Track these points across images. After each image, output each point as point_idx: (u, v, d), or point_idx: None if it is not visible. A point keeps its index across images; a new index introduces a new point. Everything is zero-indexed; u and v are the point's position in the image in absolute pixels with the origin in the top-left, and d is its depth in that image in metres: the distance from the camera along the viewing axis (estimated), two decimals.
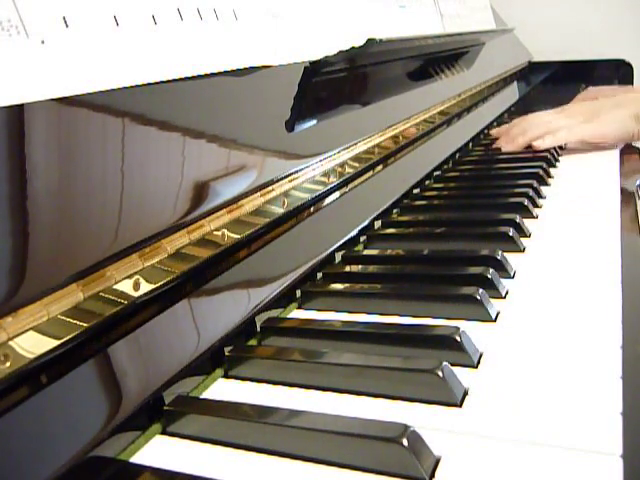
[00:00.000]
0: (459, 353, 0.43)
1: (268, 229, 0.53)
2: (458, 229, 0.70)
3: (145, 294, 0.40)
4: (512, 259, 0.59)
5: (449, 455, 0.34)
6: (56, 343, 0.34)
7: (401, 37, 0.83)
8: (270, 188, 0.53)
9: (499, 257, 0.57)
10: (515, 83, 1.74)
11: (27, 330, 0.32)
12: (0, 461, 0.30)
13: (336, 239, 0.63)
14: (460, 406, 0.38)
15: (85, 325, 0.35)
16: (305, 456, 0.35)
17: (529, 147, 1.06)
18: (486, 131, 1.30)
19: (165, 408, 0.39)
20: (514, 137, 1.09)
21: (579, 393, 0.38)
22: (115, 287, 0.37)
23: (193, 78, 0.50)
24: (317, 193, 0.61)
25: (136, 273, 0.39)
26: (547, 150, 1.03)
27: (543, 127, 1.08)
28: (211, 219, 0.46)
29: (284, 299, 0.54)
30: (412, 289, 0.54)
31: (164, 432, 0.39)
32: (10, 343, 0.31)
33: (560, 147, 1.10)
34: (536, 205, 0.78)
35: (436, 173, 0.97)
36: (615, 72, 1.96)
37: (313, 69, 0.65)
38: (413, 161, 0.89)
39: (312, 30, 0.70)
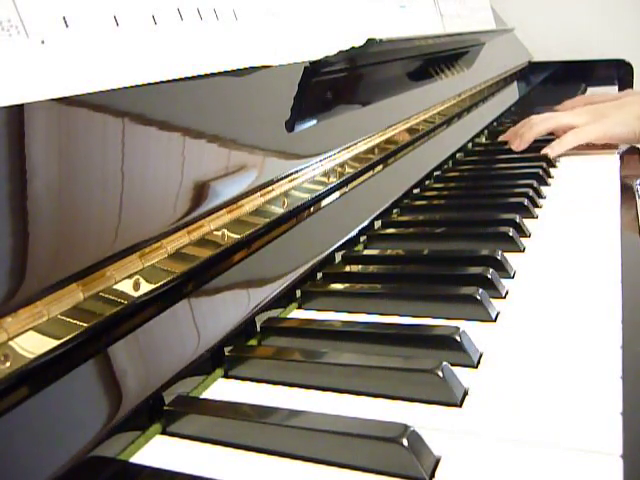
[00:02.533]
0: (459, 353, 0.43)
1: (268, 229, 0.53)
2: (458, 229, 0.70)
3: (145, 294, 0.40)
4: (512, 259, 0.59)
5: (449, 455, 0.34)
6: (56, 343, 0.34)
7: (401, 37, 0.83)
8: (270, 188, 0.53)
9: (499, 257, 0.57)
10: (515, 83, 1.74)
11: (27, 330, 0.32)
12: (0, 461, 0.30)
13: (336, 239, 0.63)
14: (460, 406, 0.38)
15: (85, 325, 0.35)
16: (305, 456, 0.35)
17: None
18: (486, 131, 1.30)
19: (165, 408, 0.39)
20: (522, 135, 1.09)
21: (579, 393, 0.38)
22: (115, 287, 0.37)
23: (193, 78, 0.50)
24: (317, 193, 0.61)
25: (136, 273, 0.39)
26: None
27: (550, 122, 1.08)
28: (211, 219, 0.46)
29: (284, 299, 0.54)
30: (412, 289, 0.54)
31: (164, 432, 0.39)
32: (10, 343, 0.31)
33: None
34: (536, 205, 0.78)
35: (436, 173, 0.97)
36: (615, 72, 1.96)
37: (313, 69, 0.65)
38: (413, 161, 0.89)
39: (312, 30, 0.70)
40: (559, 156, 1.03)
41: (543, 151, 1.03)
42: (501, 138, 1.18)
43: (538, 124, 1.08)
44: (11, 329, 0.31)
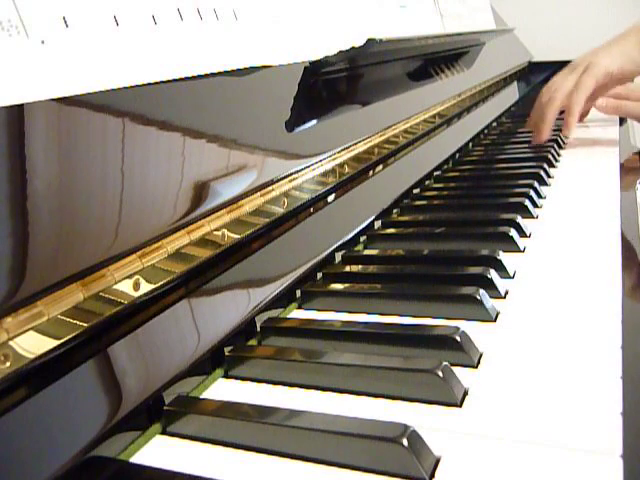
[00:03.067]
0: (459, 353, 0.43)
1: (268, 229, 0.53)
2: (458, 229, 0.70)
3: (145, 294, 0.40)
4: (512, 259, 0.59)
5: (449, 455, 0.34)
6: (56, 343, 0.34)
7: (401, 37, 0.83)
8: (270, 188, 0.53)
9: (499, 257, 0.57)
10: (515, 83, 1.74)
11: (27, 330, 0.32)
12: (0, 461, 0.30)
13: (336, 239, 0.63)
14: (460, 406, 0.38)
15: (85, 325, 0.35)
16: (305, 456, 0.34)
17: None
18: (486, 131, 1.30)
19: (165, 408, 0.39)
20: (541, 129, 1.08)
21: (579, 393, 0.38)
22: (115, 287, 0.37)
23: (193, 78, 0.50)
24: (317, 193, 0.61)
25: (136, 273, 0.39)
26: (547, 150, 1.03)
27: (556, 103, 1.07)
28: (211, 219, 0.46)
29: (284, 299, 0.54)
30: (412, 289, 0.54)
31: (164, 432, 0.39)
32: (10, 343, 0.31)
33: (559, 146, 1.10)
34: (536, 205, 0.78)
35: (436, 173, 0.97)
36: None
37: (313, 69, 0.65)
38: (413, 161, 0.89)
39: (312, 30, 0.70)
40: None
41: (563, 134, 1.06)
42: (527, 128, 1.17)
43: (547, 112, 1.07)
44: (11, 329, 0.31)
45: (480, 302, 0.49)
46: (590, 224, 0.69)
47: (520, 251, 0.63)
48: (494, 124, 1.37)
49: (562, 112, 1.09)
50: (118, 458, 0.36)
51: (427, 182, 0.93)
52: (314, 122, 0.66)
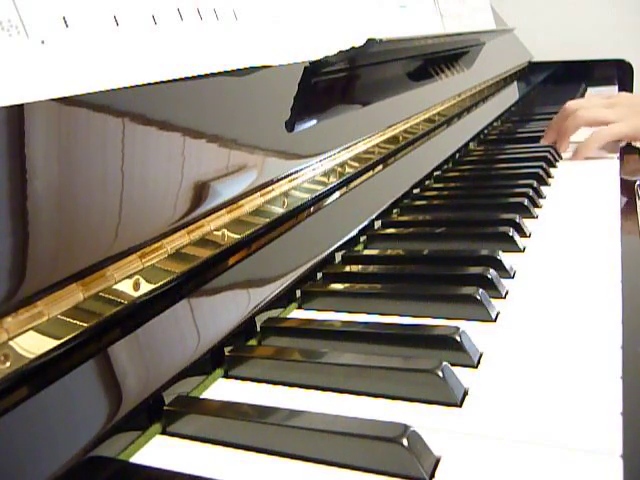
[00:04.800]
0: (459, 353, 0.43)
1: (268, 229, 0.53)
2: (458, 229, 0.70)
3: (145, 294, 0.40)
4: (512, 259, 0.59)
5: (449, 455, 0.34)
6: (56, 343, 0.34)
7: (401, 37, 0.83)
8: (270, 188, 0.53)
9: (499, 257, 0.57)
10: (515, 83, 1.74)
11: (27, 330, 0.32)
12: (0, 461, 0.30)
13: (336, 239, 0.63)
14: (460, 406, 0.38)
15: (85, 325, 0.35)
16: (305, 456, 0.34)
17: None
18: (486, 131, 1.30)
19: (165, 408, 0.39)
20: (561, 144, 1.09)
21: (579, 393, 0.38)
22: (115, 287, 0.37)
23: (193, 78, 0.50)
24: (317, 193, 0.61)
25: (136, 273, 0.39)
26: (547, 150, 1.03)
27: (588, 119, 1.07)
28: (211, 219, 0.46)
29: (284, 299, 0.54)
30: (412, 289, 0.54)
31: (164, 432, 0.39)
32: (10, 343, 0.31)
33: None
34: (536, 205, 0.78)
35: (436, 173, 0.97)
36: (615, 72, 1.96)
37: (313, 69, 0.65)
38: (413, 161, 0.89)
39: (312, 30, 0.70)
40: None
41: (578, 152, 1.03)
42: (544, 141, 1.14)
43: (569, 127, 1.07)
44: (11, 329, 0.31)
45: (480, 302, 0.49)
46: (590, 223, 0.69)
47: (520, 251, 0.63)
48: (494, 124, 1.37)
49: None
50: (118, 458, 0.36)
51: (427, 182, 0.93)
52: (314, 122, 0.66)
